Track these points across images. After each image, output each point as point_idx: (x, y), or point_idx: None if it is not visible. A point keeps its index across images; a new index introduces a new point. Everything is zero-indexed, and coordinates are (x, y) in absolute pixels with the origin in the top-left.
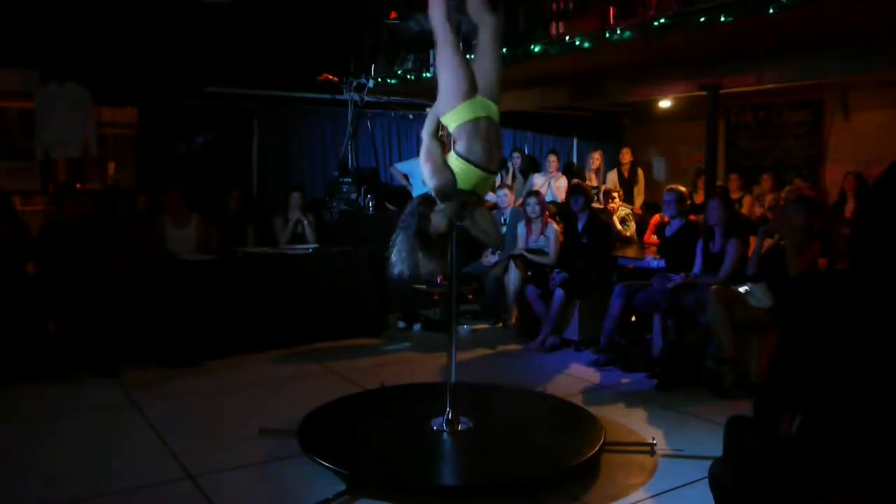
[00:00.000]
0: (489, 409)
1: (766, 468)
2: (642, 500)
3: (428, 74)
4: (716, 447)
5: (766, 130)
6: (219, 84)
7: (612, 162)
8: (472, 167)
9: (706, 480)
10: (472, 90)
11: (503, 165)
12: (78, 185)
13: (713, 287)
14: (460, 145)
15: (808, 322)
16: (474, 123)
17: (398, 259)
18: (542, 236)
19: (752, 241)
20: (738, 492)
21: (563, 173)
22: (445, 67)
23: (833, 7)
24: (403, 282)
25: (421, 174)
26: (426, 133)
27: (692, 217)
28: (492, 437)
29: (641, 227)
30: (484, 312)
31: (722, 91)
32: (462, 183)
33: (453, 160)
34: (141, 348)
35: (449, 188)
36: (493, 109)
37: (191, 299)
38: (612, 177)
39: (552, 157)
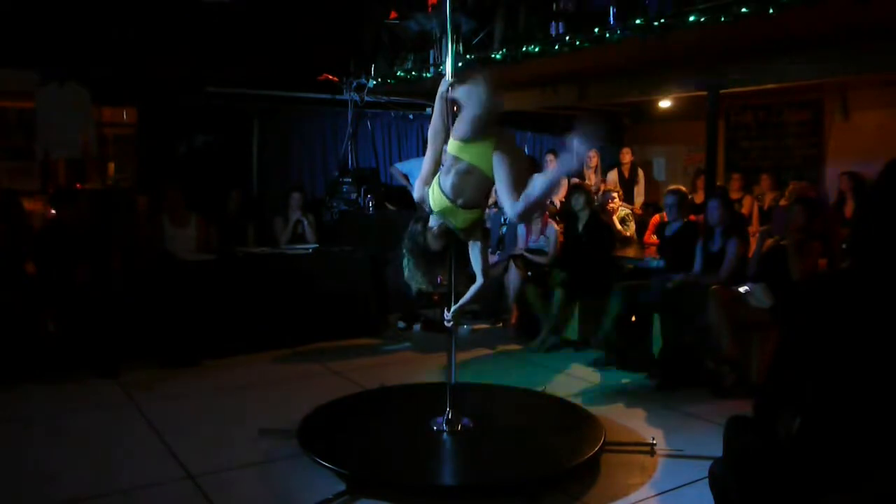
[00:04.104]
0: (489, 409)
1: (765, 468)
2: (642, 499)
3: (428, 74)
4: (716, 447)
5: (766, 130)
6: (219, 84)
7: (611, 161)
8: (442, 194)
9: (706, 480)
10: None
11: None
12: (78, 185)
13: (713, 287)
14: (442, 171)
15: (807, 322)
16: (455, 160)
17: (411, 278)
18: (542, 236)
19: (753, 241)
20: (737, 492)
21: None
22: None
23: (833, 7)
24: (406, 283)
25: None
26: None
27: (692, 217)
28: (492, 437)
29: (641, 227)
30: (484, 312)
31: (722, 91)
32: (434, 205)
33: (434, 182)
34: (141, 348)
35: (422, 203)
36: (485, 160)
37: (191, 299)
38: (613, 176)
39: (550, 157)
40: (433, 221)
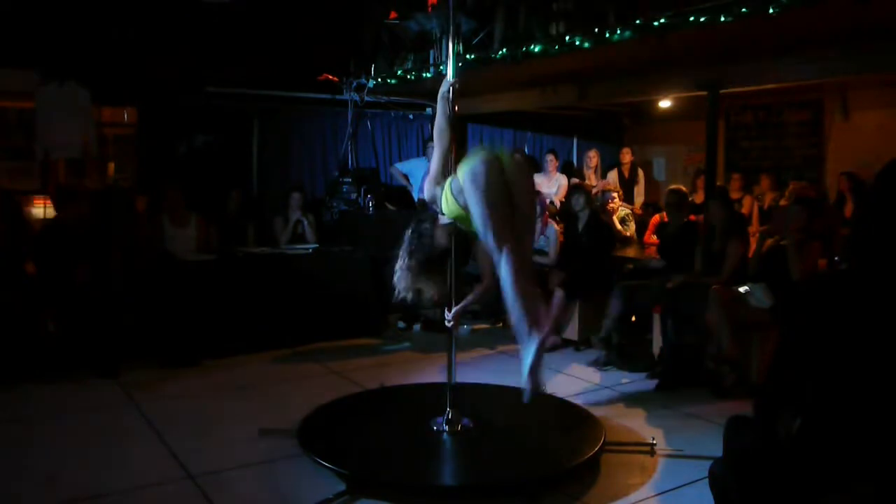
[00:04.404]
0: (489, 409)
1: (765, 468)
2: (642, 499)
3: (428, 75)
4: (716, 447)
5: (766, 130)
6: (219, 84)
7: (611, 161)
8: (457, 204)
9: (706, 480)
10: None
11: None
12: (76, 186)
13: (713, 287)
14: (453, 183)
15: (807, 322)
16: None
17: (400, 284)
18: (542, 236)
19: (753, 241)
20: (737, 492)
21: (562, 173)
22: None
23: (833, 7)
24: (395, 286)
25: (420, 174)
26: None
27: (692, 217)
28: (492, 437)
29: (641, 227)
30: (484, 312)
31: (722, 91)
32: (449, 213)
33: (447, 185)
34: (141, 348)
35: (432, 202)
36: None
37: (191, 299)
38: (613, 176)
39: (550, 157)
40: (444, 219)
